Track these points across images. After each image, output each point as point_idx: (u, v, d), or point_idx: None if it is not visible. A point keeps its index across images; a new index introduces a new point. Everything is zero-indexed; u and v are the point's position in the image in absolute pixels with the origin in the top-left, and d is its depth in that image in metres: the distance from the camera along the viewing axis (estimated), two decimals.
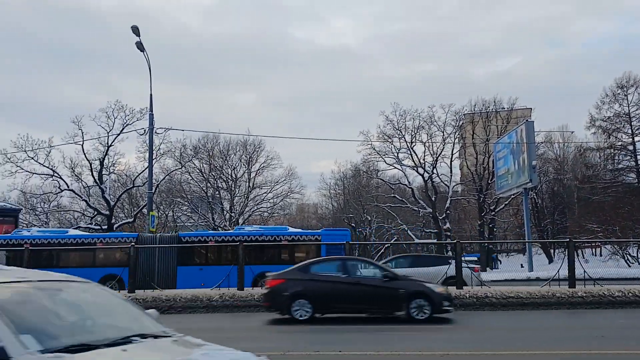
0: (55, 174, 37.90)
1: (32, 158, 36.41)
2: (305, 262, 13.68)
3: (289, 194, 49.79)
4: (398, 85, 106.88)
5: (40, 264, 17.21)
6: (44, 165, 36.97)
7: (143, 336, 3.76)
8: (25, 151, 35.95)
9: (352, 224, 51.18)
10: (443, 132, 44.88)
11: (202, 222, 47.60)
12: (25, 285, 3.80)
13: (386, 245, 49.41)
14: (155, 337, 3.87)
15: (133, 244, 17.91)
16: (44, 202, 41.16)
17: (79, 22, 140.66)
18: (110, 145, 38.39)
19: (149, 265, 19.71)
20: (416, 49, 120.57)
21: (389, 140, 45.21)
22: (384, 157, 46.25)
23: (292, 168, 50.19)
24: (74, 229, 41.07)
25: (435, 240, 45.61)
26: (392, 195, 46.79)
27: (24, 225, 37.34)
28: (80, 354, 3.26)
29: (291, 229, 23.48)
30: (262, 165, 48.18)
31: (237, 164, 48.24)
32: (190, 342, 3.94)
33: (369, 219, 52.67)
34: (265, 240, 20.52)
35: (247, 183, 48.00)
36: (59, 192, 39.75)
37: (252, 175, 48.17)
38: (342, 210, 54.66)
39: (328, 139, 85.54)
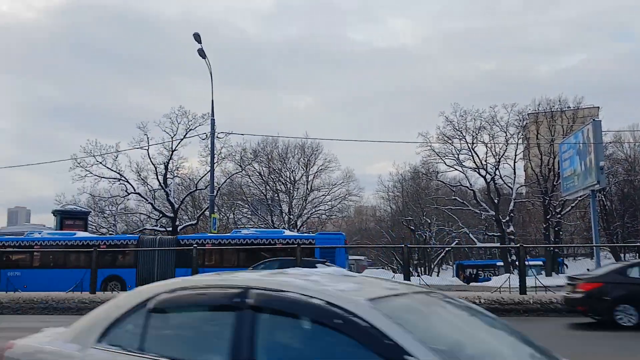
0: (123, 178, 39.44)
1: (101, 162, 38.04)
2: (623, 264, 13.14)
3: (346, 196, 49.77)
4: (458, 85, 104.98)
5: (49, 264, 18.13)
6: (112, 170, 38.55)
7: None
8: (94, 156, 37.60)
9: (411, 227, 50.55)
10: (506, 133, 43.61)
11: (261, 224, 48.31)
12: (413, 298, 3.10)
13: (446, 249, 48.49)
14: None
15: (133, 244, 18.95)
16: (112, 205, 42.92)
17: (142, 32, 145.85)
18: (174, 150, 39.59)
19: (148, 266, 20.36)
20: (476, 47, 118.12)
21: (449, 141, 44.34)
22: (444, 158, 45.41)
23: (349, 170, 50.17)
24: (139, 231, 42.67)
25: (498, 244, 44.34)
26: (453, 197, 45.87)
27: (93, 227, 39.05)
28: None
29: (287, 233, 23.93)
30: (319, 168, 48.42)
31: (295, 167, 48.70)
32: None
33: (429, 221, 51.86)
34: (260, 243, 20.76)
35: (305, 186, 48.37)
36: (126, 196, 41.40)
37: (310, 178, 48.50)
38: (401, 213, 54.07)
39: (386, 140, 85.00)
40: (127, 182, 39.73)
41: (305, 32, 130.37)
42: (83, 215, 27.10)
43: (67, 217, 25.24)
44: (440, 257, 54.10)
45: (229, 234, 25.62)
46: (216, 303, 2.96)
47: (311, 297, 2.69)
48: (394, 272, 42.89)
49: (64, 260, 20.61)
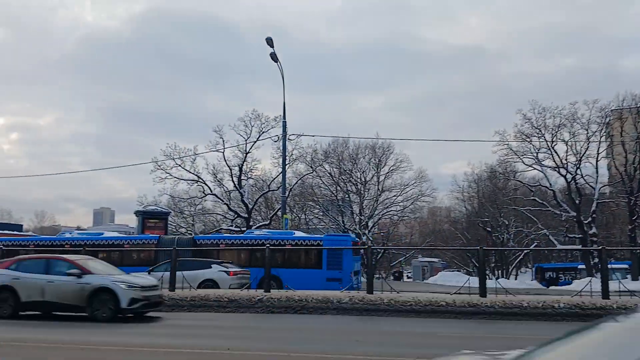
0: (200, 180, 40.89)
1: (180, 165, 39.63)
2: None
3: (419, 197, 49.10)
4: (536, 82, 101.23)
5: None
6: (190, 172, 40.07)
7: None
8: (173, 159, 39.23)
9: (488, 229, 49.13)
10: (587, 130, 41.43)
11: (332, 224, 48.57)
12: None
13: (525, 252, 46.75)
14: None
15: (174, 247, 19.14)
16: (190, 206, 44.54)
17: (219, 38, 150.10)
18: (248, 152, 40.61)
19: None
20: (556, 43, 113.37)
21: (527, 139, 42.71)
22: (521, 157, 43.78)
23: (422, 171, 49.42)
24: (215, 230, 44.02)
25: (579, 247, 42.28)
26: (532, 198, 44.17)
27: (173, 227, 40.69)
28: None
29: (298, 234, 24.49)
30: (391, 168, 48.06)
31: (366, 167, 48.60)
32: None
33: (507, 223, 50.22)
34: (270, 243, 20.72)
35: (377, 186, 48.14)
36: (203, 197, 42.86)
37: (381, 178, 48.22)
38: (477, 214, 52.67)
39: (460, 140, 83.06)
40: (204, 183, 41.17)
41: (377, 32, 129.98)
42: (164, 215, 28.29)
43: (149, 218, 26.44)
44: (518, 259, 52.23)
45: (242, 235, 26.45)
46: None
47: None
48: (469, 274, 41.79)
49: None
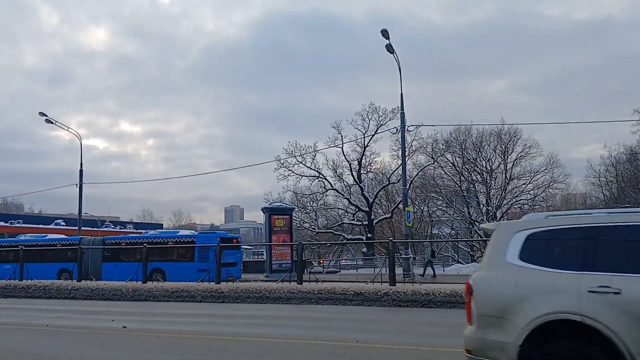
0: (321, 176, 41.66)
1: (301, 162, 40.68)
2: None
3: (551, 184, 45.93)
4: None
5: (27, 259, 22.91)
6: (311, 168, 40.98)
7: None
8: (294, 156, 40.35)
9: None
10: None
11: (457, 216, 47.08)
12: None
13: None
14: None
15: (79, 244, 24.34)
16: (313, 201, 45.52)
17: (332, 35, 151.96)
18: (367, 146, 40.65)
19: (86, 261, 25.60)
20: None
21: None
22: None
23: (553, 156, 46.17)
24: (337, 225, 44.51)
25: None
26: None
27: (297, 222, 41.84)
28: None
29: (182, 232, 28.99)
30: (519, 155, 45.40)
31: (491, 155, 46.39)
32: None
33: None
34: (155, 242, 25.35)
35: (504, 174, 45.82)
36: (324, 192, 43.64)
37: (509, 166, 45.79)
38: (616, 199, 48.35)
39: (594, 121, 76.75)
40: (325, 179, 41.90)
41: (493, 14, 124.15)
42: (288, 211, 29.08)
43: (275, 213, 27.30)
44: None
45: (140, 235, 30.08)
46: None
47: None
48: None
49: (34, 257, 25.51)
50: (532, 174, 45.37)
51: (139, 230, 71.59)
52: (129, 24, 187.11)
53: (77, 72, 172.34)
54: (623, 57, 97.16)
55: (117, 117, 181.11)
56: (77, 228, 35.25)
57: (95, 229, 56.82)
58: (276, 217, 27.23)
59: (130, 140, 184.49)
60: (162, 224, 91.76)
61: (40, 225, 54.89)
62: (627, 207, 45.08)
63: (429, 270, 28.36)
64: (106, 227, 63.56)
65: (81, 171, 34.72)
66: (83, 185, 34.84)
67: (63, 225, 53.99)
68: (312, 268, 28.87)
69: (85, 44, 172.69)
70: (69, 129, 36.93)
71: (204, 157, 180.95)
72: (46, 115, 34.34)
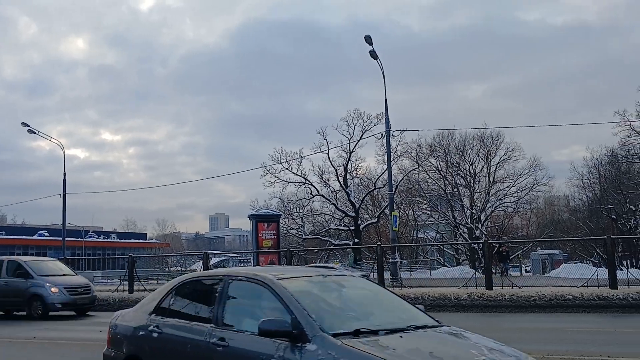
0: (307, 182, 41.68)
1: (287, 169, 40.63)
2: None
3: (534, 186, 46.44)
4: None
5: None
6: (297, 174, 40.97)
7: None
8: (280, 163, 40.30)
9: (613, 216, 45.57)
10: None
11: (442, 220, 47.36)
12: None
13: None
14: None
15: None
16: (299, 208, 45.46)
17: (311, 41, 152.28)
18: (352, 151, 40.73)
19: None
20: None
21: None
22: None
23: (536, 158, 46.69)
24: (324, 230, 44.54)
25: None
26: None
27: (284, 229, 41.75)
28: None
29: None
30: (502, 158, 45.87)
31: (475, 159, 46.82)
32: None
33: (633, 209, 46.29)
34: None
35: (487, 178, 46.26)
36: (311, 198, 43.63)
37: (492, 169, 46.23)
38: (599, 201, 49.04)
39: (575, 123, 77.84)
40: (312, 185, 41.91)
41: (472, 20, 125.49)
42: (275, 218, 28.98)
43: (261, 221, 27.20)
44: None
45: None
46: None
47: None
48: (594, 265, 39.01)
49: None
50: (515, 177, 45.87)
51: (123, 241, 70.98)
52: (108, 32, 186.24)
53: (58, 82, 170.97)
54: (600, 61, 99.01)
55: (98, 127, 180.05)
56: (61, 239, 34.82)
57: (79, 239, 56.15)
58: (263, 223, 27.10)
59: (111, 149, 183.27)
60: (146, 234, 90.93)
61: (24, 237, 54.17)
62: (610, 208, 45.81)
63: None
64: (90, 237, 62.89)
65: (64, 181, 34.32)
66: (66, 195, 34.46)
67: (47, 236, 53.33)
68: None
69: (65, 54, 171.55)
70: (52, 139, 36.56)
71: (186, 165, 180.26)
72: (29, 126, 33.96)
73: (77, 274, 18.86)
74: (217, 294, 4.97)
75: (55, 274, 16.89)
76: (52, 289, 15.81)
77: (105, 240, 68.53)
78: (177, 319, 5.19)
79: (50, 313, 15.74)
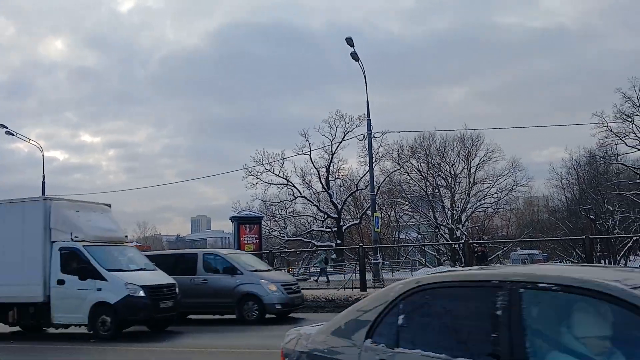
0: (289, 183, 41.68)
1: (269, 170, 40.60)
2: None
3: (513, 187, 47.02)
4: (632, 59, 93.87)
5: None
6: (279, 176, 40.96)
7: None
8: (262, 164, 40.25)
9: (591, 216, 46.29)
10: None
11: (423, 221, 47.66)
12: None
13: (634, 239, 43.58)
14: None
15: None
16: (281, 209, 45.42)
17: (292, 44, 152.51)
18: (334, 153, 40.87)
19: None
20: None
21: (629, 119, 39.95)
22: (623, 139, 41.06)
23: (516, 160, 47.27)
24: (307, 232, 44.54)
25: None
26: (638, 181, 41.20)
27: (266, 231, 41.67)
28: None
29: None
30: (482, 159, 46.36)
31: (455, 160, 47.24)
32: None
33: (611, 209, 47.08)
34: None
35: (468, 179, 46.70)
36: (293, 199, 43.62)
37: (472, 170, 46.69)
38: (578, 201, 49.78)
39: (555, 125, 78.87)
40: (294, 186, 41.93)
41: (451, 24, 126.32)
42: (257, 220, 28.92)
43: (243, 223, 27.11)
44: (627, 247, 48.78)
45: None
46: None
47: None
48: (574, 265, 39.59)
49: None
50: (495, 178, 46.39)
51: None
52: (88, 34, 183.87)
53: (36, 84, 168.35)
54: (577, 65, 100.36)
55: (78, 129, 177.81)
56: None
57: None
58: (245, 225, 27.01)
59: (91, 151, 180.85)
60: (127, 236, 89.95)
61: None
62: (588, 208, 46.56)
63: (324, 277, 29.04)
64: None
65: (44, 183, 33.84)
66: None
67: None
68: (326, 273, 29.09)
69: (44, 56, 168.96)
70: (30, 141, 36.04)
71: (167, 167, 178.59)
72: (6, 127, 33.44)
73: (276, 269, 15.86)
74: (497, 312, 2.98)
75: (259, 269, 14.33)
76: (270, 287, 13.20)
77: None
78: (417, 350, 3.21)
79: (267, 316, 13.31)
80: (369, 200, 30.37)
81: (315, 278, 28.07)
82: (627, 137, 40.77)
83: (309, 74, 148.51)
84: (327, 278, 28.51)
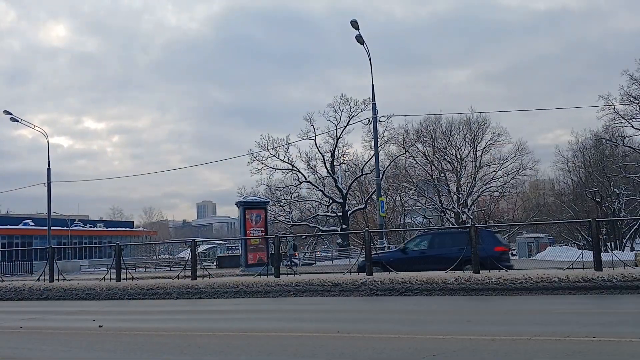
0: (294, 168, 41.63)
1: (274, 155, 40.57)
2: None
3: (520, 170, 46.89)
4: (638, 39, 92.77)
5: None
6: (284, 161, 40.90)
7: None
8: (267, 149, 40.20)
9: (597, 199, 46.11)
10: None
11: (429, 205, 47.59)
12: None
13: None
14: None
15: None
16: (286, 194, 45.45)
17: (293, 28, 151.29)
18: (339, 137, 40.75)
19: None
20: None
21: (636, 101, 39.61)
22: (630, 121, 40.74)
23: (522, 143, 47.06)
24: (312, 217, 44.56)
25: None
26: None
27: (272, 216, 41.71)
28: None
29: None
30: (488, 143, 46.20)
31: (461, 144, 47.07)
32: None
33: (617, 192, 46.87)
34: None
35: (474, 163, 46.53)
36: (298, 184, 43.64)
37: (479, 154, 46.51)
38: (584, 184, 49.56)
39: (562, 107, 78.38)
40: (299, 171, 41.90)
41: (453, 5, 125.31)
42: (262, 205, 28.87)
43: (249, 208, 27.10)
44: (633, 229, 48.63)
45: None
46: None
47: None
48: (580, 248, 39.50)
49: None
50: (502, 161, 46.27)
51: (109, 229, 70.51)
52: (89, 19, 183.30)
53: (38, 70, 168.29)
54: (581, 45, 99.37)
55: (81, 115, 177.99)
56: (46, 227, 34.50)
57: (65, 228, 55.69)
58: (250, 210, 26.99)
59: (95, 138, 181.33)
60: (133, 222, 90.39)
61: (9, 226, 53.58)
62: (594, 191, 46.34)
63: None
64: (76, 226, 62.38)
65: (49, 169, 33.97)
66: (51, 184, 34.10)
67: (32, 225, 52.80)
68: (294, 261, 28.73)
69: (45, 41, 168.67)
70: (35, 127, 36.10)
71: (172, 153, 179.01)
72: (11, 114, 33.46)
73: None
74: None
75: None
76: None
77: (92, 228, 68.00)
78: None
79: None
80: (374, 185, 30.32)
81: (288, 263, 27.15)
82: (633, 120, 40.54)
83: (311, 57, 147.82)
84: (292, 265, 27.01)
